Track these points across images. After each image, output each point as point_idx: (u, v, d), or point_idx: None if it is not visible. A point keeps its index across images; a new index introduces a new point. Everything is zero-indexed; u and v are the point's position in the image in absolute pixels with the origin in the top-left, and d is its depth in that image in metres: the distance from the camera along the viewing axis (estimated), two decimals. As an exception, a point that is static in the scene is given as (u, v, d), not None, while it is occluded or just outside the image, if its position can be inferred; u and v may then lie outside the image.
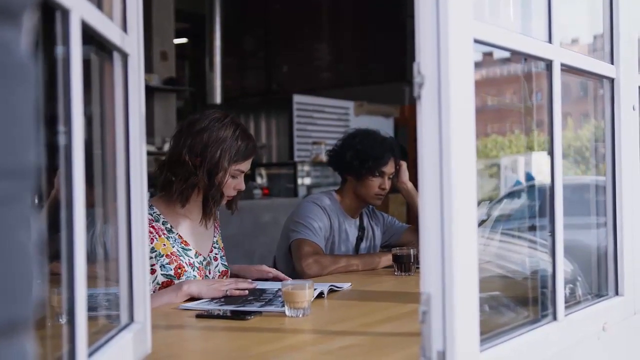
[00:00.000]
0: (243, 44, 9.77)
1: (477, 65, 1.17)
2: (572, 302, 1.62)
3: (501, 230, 1.98)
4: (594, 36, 1.89)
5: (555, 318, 1.43)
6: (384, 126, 7.49)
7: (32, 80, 0.53)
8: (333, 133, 7.50)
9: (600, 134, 1.80)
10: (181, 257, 2.13)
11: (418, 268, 2.39)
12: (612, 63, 1.73)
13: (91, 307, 1.22)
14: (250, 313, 1.76)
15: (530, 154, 1.79)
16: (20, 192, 0.51)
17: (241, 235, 5.21)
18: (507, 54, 1.48)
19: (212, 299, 1.96)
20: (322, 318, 1.82)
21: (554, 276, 1.43)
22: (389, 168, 2.81)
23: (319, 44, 9.41)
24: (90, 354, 1.03)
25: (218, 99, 8.35)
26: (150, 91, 6.89)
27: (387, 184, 2.82)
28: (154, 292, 2.03)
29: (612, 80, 1.74)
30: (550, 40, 1.44)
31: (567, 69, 1.51)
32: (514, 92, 1.83)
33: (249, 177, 7.10)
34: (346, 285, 2.21)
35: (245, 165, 2.19)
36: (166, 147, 6.62)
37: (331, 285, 2.13)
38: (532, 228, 1.77)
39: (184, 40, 9.78)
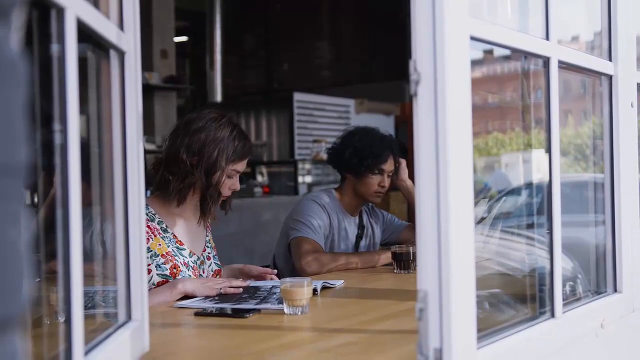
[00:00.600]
0: (243, 42, 9.77)
1: (478, 62, 1.18)
2: (572, 299, 1.62)
3: (501, 228, 1.98)
4: (594, 33, 1.89)
5: (553, 315, 1.43)
6: (385, 124, 7.49)
7: (22, 78, 0.53)
8: (334, 131, 7.48)
9: (600, 131, 1.80)
10: (176, 257, 2.14)
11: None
12: (610, 60, 1.73)
13: (89, 305, 1.22)
14: (249, 311, 1.76)
15: (529, 152, 1.79)
16: (10, 190, 0.51)
17: (241, 233, 5.21)
18: (508, 52, 1.48)
19: (207, 297, 1.96)
20: (320, 316, 1.82)
21: (551, 273, 1.43)
22: (388, 166, 2.81)
23: (320, 41, 9.42)
24: (87, 352, 1.03)
25: (218, 97, 8.35)
26: (150, 89, 6.89)
27: (387, 182, 2.81)
28: (149, 291, 2.03)
29: (610, 78, 1.73)
30: (547, 38, 1.44)
31: (565, 66, 1.51)
32: (514, 89, 1.83)
33: (250, 176, 7.10)
34: (339, 283, 2.22)
35: (241, 166, 2.20)
36: (166, 145, 6.60)
37: (324, 282, 2.13)
38: (532, 225, 1.77)
39: (184, 38, 9.78)
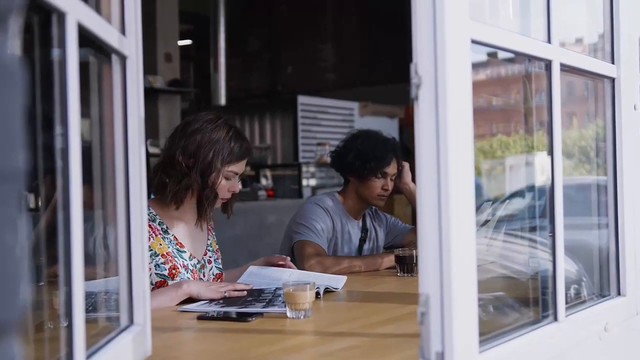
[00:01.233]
0: (247, 45, 9.77)
1: (482, 65, 1.17)
2: (577, 302, 1.61)
3: (504, 231, 1.97)
4: (597, 36, 1.88)
5: (556, 319, 1.43)
6: (389, 127, 7.48)
7: (20, 82, 0.53)
8: (338, 134, 7.49)
9: (604, 134, 1.79)
10: (176, 258, 2.14)
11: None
12: (613, 62, 1.73)
13: (91, 309, 1.22)
14: (252, 314, 1.76)
15: (532, 154, 1.79)
16: (7, 195, 0.51)
17: (246, 236, 5.22)
18: (512, 55, 1.47)
19: (211, 301, 1.96)
20: (323, 319, 1.82)
21: (554, 276, 1.43)
22: (392, 169, 2.81)
23: (323, 44, 9.41)
24: (89, 356, 1.03)
25: (223, 100, 8.35)
26: (154, 93, 6.89)
27: (390, 185, 2.81)
28: (151, 291, 2.03)
29: (612, 80, 1.73)
30: (549, 40, 1.43)
31: (567, 69, 1.51)
32: (518, 92, 1.83)
33: (254, 179, 7.10)
34: (342, 282, 2.21)
35: (239, 167, 2.20)
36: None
37: (327, 287, 2.13)
38: (535, 228, 1.76)
39: (188, 41, 9.79)
